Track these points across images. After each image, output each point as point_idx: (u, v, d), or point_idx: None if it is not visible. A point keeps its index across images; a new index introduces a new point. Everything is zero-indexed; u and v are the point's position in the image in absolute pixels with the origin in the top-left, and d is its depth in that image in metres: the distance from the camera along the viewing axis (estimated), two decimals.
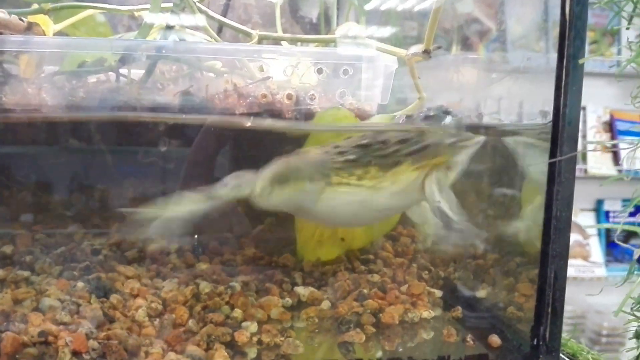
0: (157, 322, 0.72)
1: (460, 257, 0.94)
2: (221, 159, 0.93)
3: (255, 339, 0.71)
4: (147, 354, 0.65)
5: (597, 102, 2.73)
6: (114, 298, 0.73)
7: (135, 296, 0.75)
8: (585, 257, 2.75)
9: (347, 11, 1.01)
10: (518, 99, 0.89)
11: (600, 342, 2.47)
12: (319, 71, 0.81)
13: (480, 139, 0.81)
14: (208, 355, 0.66)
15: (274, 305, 0.78)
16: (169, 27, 0.83)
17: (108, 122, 0.84)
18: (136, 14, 0.86)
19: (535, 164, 0.75)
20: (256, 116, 0.78)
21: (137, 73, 0.80)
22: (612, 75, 0.67)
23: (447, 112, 0.78)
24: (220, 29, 0.92)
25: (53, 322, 0.66)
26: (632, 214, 0.63)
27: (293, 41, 0.91)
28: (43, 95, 0.75)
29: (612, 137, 2.75)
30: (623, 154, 0.63)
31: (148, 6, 0.83)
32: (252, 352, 0.69)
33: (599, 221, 2.78)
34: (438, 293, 0.87)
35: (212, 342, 0.68)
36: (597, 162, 2.66)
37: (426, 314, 0.81)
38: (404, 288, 0.85)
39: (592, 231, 2.76)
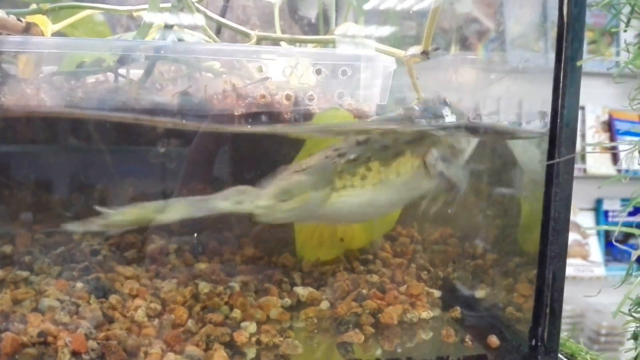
0: (156, 322, 0.72)
1: (459, 257, 0.95)
2: (220, 158, 0.94)
3: (254, 339, 0.71)
4: (146, 354, 0.66)
5: (596, 101, 2.73)
6: (113, 298, 0.74)
7: (135, 296, 0.76)
8: (585, 257, 2.75)
9: (346, 11, 1.01)
10: (517, 99, 0.89)
11: (599, 341, 2.47)
12: (318, 72, 0.81)
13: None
14: (207, 356, 0.66)
15: (273, 306, 0.78)
16: (168, 27, 0.83)
17: (107, 122, 0.84)
18: (135, 14, 0.86)
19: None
20: (255, 117, 0.78)
21: (136, 73, 0.80)
22: (611, 75, 0.67)
23: (444, 103, 0.78)
24: (219, 29, 0.91)
25: (52, 322, 0.67)
26: (631, 214, 0.63)
27: (292, 42, 0.91)
28: (42, 96, 0.75)
29: (611, 137, 2.75)
30: (622, 153, 0.63)
31: (146, 6, 0.83)
32: (251, 353, 0.69)
33: (598, 220, 2.78)
34: (437, 293, 0.87)
35: (211, 343, 0.69)
36: (596, 162, 2.66)
37: (425, 314, 0.81)
38: (402, 288, 0.85)
39: (592, 230, 2.76)
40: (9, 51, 0.75)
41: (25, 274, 0.79)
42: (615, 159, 2.65)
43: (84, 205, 0.95)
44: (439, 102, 0.77)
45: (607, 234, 2.82)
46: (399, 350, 0.72)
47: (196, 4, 0.84)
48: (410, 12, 0.97)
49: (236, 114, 0.78)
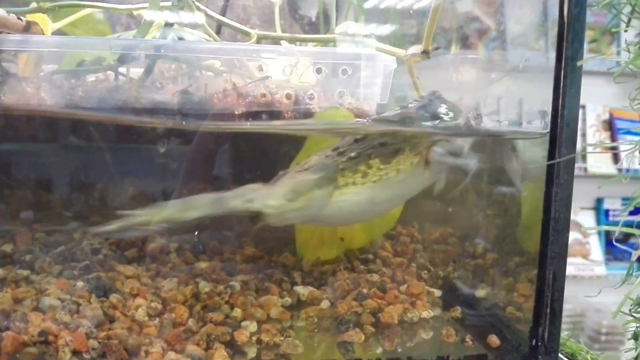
0: (157, 321, 0.72)
1: (459, 256, 0.95)
2: (220, 158, 0.94)
3: (254, 338, 0.71)
4: (147, 353, 0.66)
5: (596, 100, 2.72)
6: (113, 297, 0.74)
7: (135, 296, 0.76)
8: (585, 256, 2.75)
9: (347, 10, 1.00)
10: (517, 98, 0.89)
11: (599, 340, 2.47)
12: (318, 71, 0.81)
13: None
14: (208, 355, 0.66)
15: (274, 305, 0.78)
16: (168, 25, 0.83)
17: (107, 121, 0.84)
18: (135, 12, 0.86)
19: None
20: (255, 116, 0.78)
21: (136, 72, 0.80)
22: (611, 74, 0.67)
23: (439, 98, 0.77)
24: (219, 28, 0.91)
25: (53, 321, 0.67)
26: (632, 213, 0.63)
27: (292, 40, 0.91)
28: (42, 94, 0.75)
29: (612, 136, 2.74)
30: (623, 153, 0.63)
31: (146, 5, 0.83)
32: (252, 352, 0.69)
33: (598, 219, 2.78)
34: (437, 293, 0.87)
35: (211, 342, 0.69)
36: (597, 161, 2.66)
37: (425, 313, 0.81)
38: (403, 288, 0.85)
39: (592, 230, 2.76)
40: (9, 50, 0.75)
41: (26, 272, 0.79)
42: (616, 158, 2.64)
43: (84, 205, 0.95)
44: (434, 99, 0.77)
45: (608, 233, 2.81)
46: (399, 350, 0.72)
47: (196, 3, 0.84)
48: (411, 11, 0.97)
49: (236, 113, 0.78)
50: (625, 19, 0.60)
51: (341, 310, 0.78)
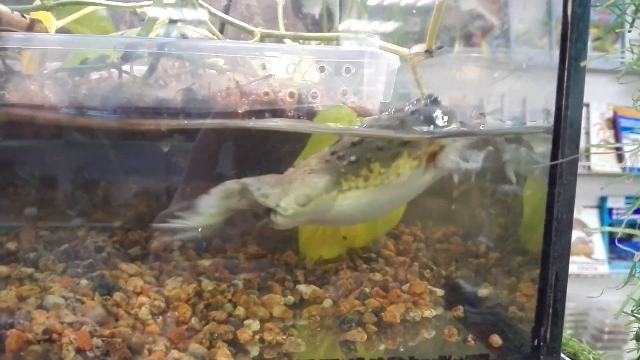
0: (160, 319, 0.72)
1: (462, 255, 0.95)
2: (223, 156, 0.94)
3: (257, 337, 0.71)
4: (150, 351, 0.66)
5: (600, 99, 2.71)
6: (117, 296, 0.74)
7: (139, 294, 0.76)
8: (588, 254, 2.75)
9: (350, 8, 1.00)
10: (521, 96, 0.88)
11: (602, 339, 2.47)
12: (321, 69, 0.81)
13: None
14: (210, 353, 0.67)
15: (276, 303, 0.78)
16: (172, 22, 0.83)
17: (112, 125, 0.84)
18: (138, 10, 0.86)
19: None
20: (258, 114, 0.78)
21: (139, 69, 0.80)
22: (616, 72, 0.66)
23: (435, 101, 0.77)
24: (223, 26, 0.91)
25: (57, 319, 0.67)
26: (636, 212, 0.63)
27: (295, 39, 0.91)
28: (46, 92, 0.75)
29: (616, 134, 2.73)
30: (626, 149, 0.63)
31: (150, 2, 0.83)
32: (255, 350, 0.69)
33: (602, 218, 2.78)
34: (440, 292, 0.87)
35: (214, 340, 0.69)
36: (601, 160, 2.65)
37: (427, 313, 0.81)
38: (405, 287, 0.85)
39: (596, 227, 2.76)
40: (13, 47, 0.75)
41: (30, 270, 0.79)
42: (620, 156, 2.64)
43: (88, 202, 0.96)
44: (430, 102, 0.77)
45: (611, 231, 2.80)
46: (401, 349, 0.72)
47: (199, 1, 0.84)
48: (414, 11, 0.97)
49: (240, 111, 0.78)
50: (629, 19, 0.60)
51: (343, 309, 0.78)
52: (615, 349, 2.38)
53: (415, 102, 0.79)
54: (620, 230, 0.57)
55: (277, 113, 0.79)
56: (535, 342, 0.70)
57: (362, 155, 0.76)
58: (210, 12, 0.86)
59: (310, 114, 0.80)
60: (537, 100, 0.79)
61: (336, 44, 0.90)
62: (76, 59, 0.79)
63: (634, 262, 0.58)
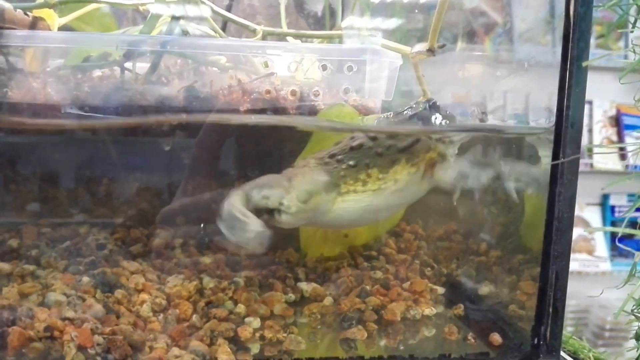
0: (161, 317, 0.72)
1: (463, 253, 0.95)
2: (224, 154, 0.94)
3: (258, 334, 0.72)
4: (151, 349, 0.66)
5: (603, 96, 2.71)
6: (118, 293, 0.74)
7: (140, 291, 0.76)
8: (590, 252, 2.75)
9: (353, 6, 1.00)
10: (523, 95, 0.88)
11: (603, 336, 2.47)
12: (324, 67, 0.81)
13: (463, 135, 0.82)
14: (211, 351, 0.67)
15: (277, 301, 0.79)
16: (175, 19, 0.83)
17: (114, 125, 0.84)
18: (141, 7, 0.87)
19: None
20: (260, 112, 0.78)
21: (142, 67, 0.80)
22: (619, 70, 0.66)
23: (434, 107, 0.78)
24: (225, 24, 0.91)
25: (59, 316, 0.67)
26: (638, 209, 0.63)
27: (298, 37, 0.91)
28: (48, 90, 0.75)
29: (619, 132, 2.73)
30: (629, 148, 0.63)
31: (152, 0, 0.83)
32: (255, 348, 0.69)
33: (604, 216, 2.78)
34: (440, 290, 0.87)
35: (215, 338, 0.69)
36: (603, 157, 2.65)
37: (428, 311, 0.81)
38: (406, 285, 0.86)
39: (597, 224, 2.75)
40: (16, 45, 0.75)
41: (32, 267, 0.80)
42: (622, 154, 2.63)
43: (90, 199, 0.96)
44: (429, 107, 0.78)
45: None
46: (402, 347, 0.72)
47: None
48: (416, 9, 0.96)
49: (242, 109, 0.78)
50: (632, 19, 0.59)
51: (344, 307, 0.78)
52: (616, 346, 2.39)
53: (414, 105, 0.79)
54: (620, 230, 0.57)
55: (279, 111, 0.79)
56: (535, 341, 0.70)
57: (361, 160, 0.77)
58: (212, 10, 0.86)
59: (312, 112, 0.80)
60: (540, 98, 0.79)
61: (338, 42, 0.90)
62: (79, 57, 0.79)
63: (634, 261, 0.58)
